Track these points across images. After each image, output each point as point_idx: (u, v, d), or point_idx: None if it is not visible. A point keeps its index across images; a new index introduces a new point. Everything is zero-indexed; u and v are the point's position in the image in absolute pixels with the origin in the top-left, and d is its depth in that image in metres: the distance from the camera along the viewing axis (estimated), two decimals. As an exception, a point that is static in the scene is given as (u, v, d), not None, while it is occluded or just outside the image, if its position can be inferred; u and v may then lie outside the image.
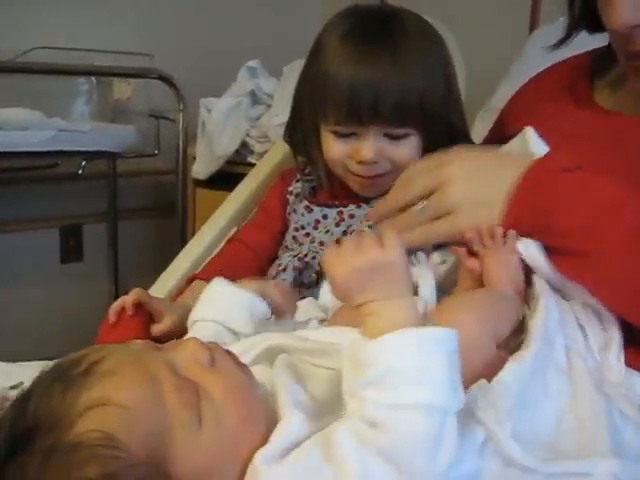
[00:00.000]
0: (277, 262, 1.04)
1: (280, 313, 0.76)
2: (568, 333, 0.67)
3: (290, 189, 1.10)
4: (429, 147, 0.94)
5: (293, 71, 2.03)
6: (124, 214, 2.55)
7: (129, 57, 2.16)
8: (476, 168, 0.78)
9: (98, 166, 2.40)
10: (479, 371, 0.59)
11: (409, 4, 1.01)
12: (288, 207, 1.09)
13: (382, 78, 0.89)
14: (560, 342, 0.65)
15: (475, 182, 0.76)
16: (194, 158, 2.15)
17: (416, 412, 0.48)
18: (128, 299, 0.88)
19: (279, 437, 0.50)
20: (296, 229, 1.05)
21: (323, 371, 0.58)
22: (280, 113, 1.92)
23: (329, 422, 0.51)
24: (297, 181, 1.10)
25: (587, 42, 1.06)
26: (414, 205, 0.79)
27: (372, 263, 0.52)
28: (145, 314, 0.91)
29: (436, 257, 0.81)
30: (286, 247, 1.06)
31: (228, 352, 0.56)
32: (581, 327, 0.69)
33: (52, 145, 1.96)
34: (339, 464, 0.46)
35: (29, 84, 2.09)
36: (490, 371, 0.59)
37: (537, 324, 0.63)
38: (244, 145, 2.04)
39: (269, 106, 2.04)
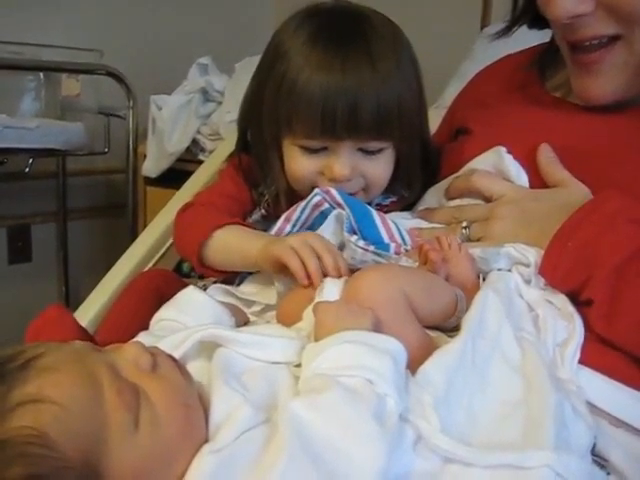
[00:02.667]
0: None
1: None
2: (519, 325, 0.67)
3: (261, 190, 0.95)
4: (400, 160, 0.90)
5: (244, 68, 2.02)
6: (74, 214, 2.50)
7: (78, 53, 2.12)
8: (529, 213, 0.78)
9: (47, 165, 2.35)
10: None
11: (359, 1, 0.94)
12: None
13: (360, 86, 0.80)
14: (507, 333, 0.64)
15: (522, 228, 0.78)
16: (144, 156, 2.12)
17: (362, 381, 0.50)
18: None
19: (228, 429, 0.50)
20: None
21: (256, 364, 0.57)
22: (231, 110, 1.91)
23: (267, 415, 0.50)
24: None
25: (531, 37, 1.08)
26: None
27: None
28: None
29: (404, 261, 0.81)
30: None
31: (170, 357, 0.55)
32: (536, 322, 0.69)
33: (-5, 142, 1.90)
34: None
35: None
36: (418, 350, 0.60)
37: (468, 316, 0.63)
38: (195, 142, 2.02)
39: (220, 103, 2.03)
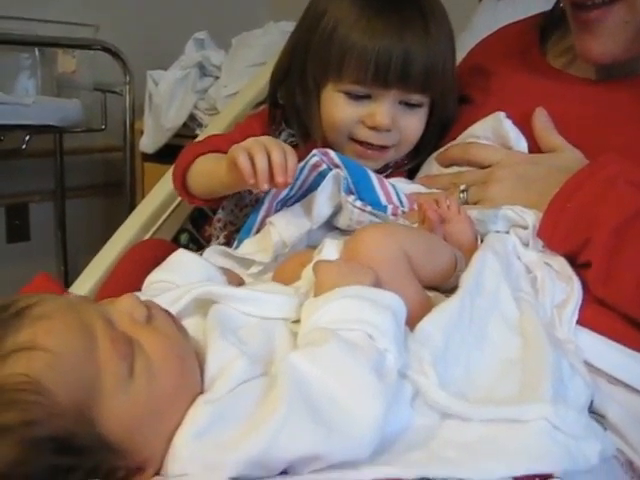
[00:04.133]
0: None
1: None
2: (517, 286, 0.67)
3: (275, 133, 0.97)
4: (428, 126, 0.91)
5: (241, 43, 2.01)
6: (72, 192, 2.48)
7: (73, 28, 2.09)
8: (526, 177, 0.79)
9: (44, 143, 2.33)
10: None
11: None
12: None
13: (414, 41, 0.84)
14: (506, 292, 0.64)
15: (519, 191, 0.78)
16: (142, 132, 2.11)
17: (362, 336, 0.51)
18: None
19: (224, 381, 0.50)
20: None
21: (253, 320, 0.57)
22: (228, 84, 1.90)
23: (264, 369, 0.50)
24: (279, 133, 0.99)
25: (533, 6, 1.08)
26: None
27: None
28: None
29: (402, 223, 0.80)
30: None
31: (165, 310, 0.55)
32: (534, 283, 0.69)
33: (-9, 119, 1.89)
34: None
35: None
36: (417, 308, 0.60)
37: (466, 275, 0.63)
38: (192, 117, 2.01)
39: (217, 78, 2.01)
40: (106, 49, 2.03)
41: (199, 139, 1.05)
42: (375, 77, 0.84)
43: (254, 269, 0.80)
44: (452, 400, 0.52)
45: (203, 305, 0.59)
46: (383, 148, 0.89)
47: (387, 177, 0.89)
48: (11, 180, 2.36)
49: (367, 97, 0.86)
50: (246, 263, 0.82)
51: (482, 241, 0.73)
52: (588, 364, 0.64)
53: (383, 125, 0.86)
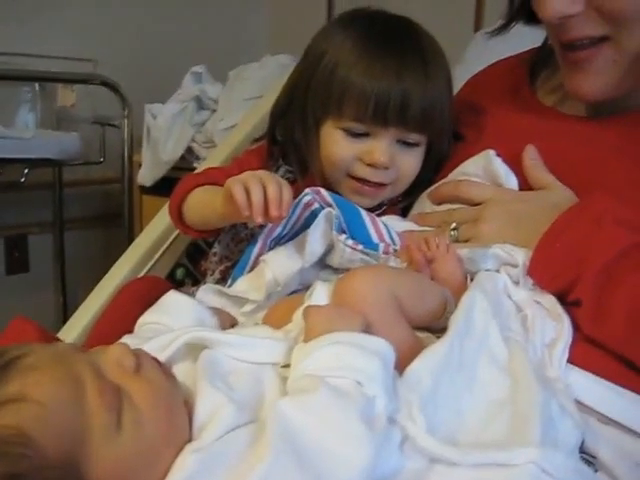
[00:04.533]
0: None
1: None
2: (507, 325, 0.67)
3: (272, 169, 0.98)
4: (424, 163, 0.93)
5: (238, 76, 2.04)
6: (70, 224, 2.50)
7: (72, 63, 2.13)
8: (516, 215, 0.79)
9: (43, 175, 2.35)
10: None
11: (354, 4, 0.98)
12: None
13: (413, 81, 0.86)
14: (495, 332, 0.64)
15: (510, 229, 0.78)
16: (140, 165, 2.13)
17: (351, 383, 0.51)
18: None
19: (212, 428, 0.50)
20: None
21: (242, 365, 0.57)
22: (225, 118, 1.92)
23: (251, 417, 0.51)
24: (276, 169, 1.00)
25: (526, 40, 1.09)
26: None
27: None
28: None
29: (393, 262, 0.81)
30: None
31: (154, 359, 0.55)
32: (524, 322, 0.69)
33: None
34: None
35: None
36: (407, 351, 0.60)
37: (455, 316, 0.63)
38: (189, 150, 2.03)
39: (214, 111, 2.03)
40: (105, 83, 2.06)
41: (197, 171, 1.06)
42: (374, 116, 0.85)
43: (247, 308, 0.81)
44: (440, 446, 0.52)
45: (194, 350, 0.59)
46: (380, 185, 0.90)
47: (381, 214, 0.90)
48: (10, 212, 2.38)
49: (366, 135, 0.88)
50: (239, 301, 0.82)
51: (472, 280, 0.73)
52: (579, 403, 0.64)
53: (381, 162, 0.87)
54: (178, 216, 0.95)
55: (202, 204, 0.91)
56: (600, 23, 0.78)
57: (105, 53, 2.22)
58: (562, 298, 0.71)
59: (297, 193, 0.83)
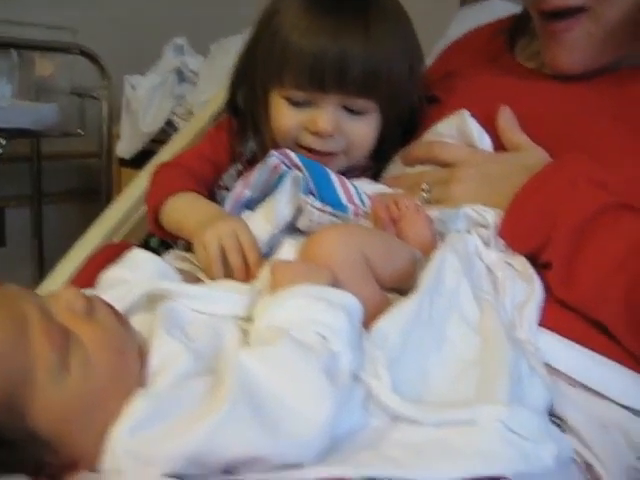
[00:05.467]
0: None
1: None
2: (478, 285, 0.66)
3: (241, 150, 0.95)
4: (387, 127, 0.89)
5: (219, 49, 2.01)
6: (48, 197, 2.46)
7: (51, 31, 2.08)
8: (488, 176, 0.77)
9: (21, 147, 2.31)
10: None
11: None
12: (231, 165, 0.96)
13: (351, 44, 0.81)
14: (466, 292, 0.63)
15: (482, 190, 0.77)
16: (119, 137, 2.09)
17: (315, 337, 0.49)
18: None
19: (165, 375, 0.48)
20: (219, 186, 0.94)
21: (203, 317, 0.55)
22: (206, 91, 1.89)
23: (209, 367, 0.49)
24: (246, 141, 0.96)
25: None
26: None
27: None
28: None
29: (363, 223, 0.79)
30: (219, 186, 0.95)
31: (108, 305, 0.54)
32: (495, 283, 0.68)
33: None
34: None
35: None
36: (374, 310, 0.58)
37: (425, 274, 0.61)
38: (169, 123, 2.00)
39: (195, 84, 2.00)
40: (84, 53, 2.02)
41: (171, 160, 1.01)
42: (311, 81, 0.81)
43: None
44: (403, 404, 0.50)
45: (154, 302, 0.57)
46: (330, 155, 0.86)
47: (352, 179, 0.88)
48: (-13, 185, 2.34)
49: (308, 103, 0.84)
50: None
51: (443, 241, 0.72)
52: (548, 366, 0.63)
53: (324, 131, 0.83)
54: (156, 226, 0.92)
55: (174, 219, 0.88)
56: None
57: (85, 22, 2.17)
58: (534, 260, 0.70)
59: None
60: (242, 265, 0.72)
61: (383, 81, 0.83)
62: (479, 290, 0.65)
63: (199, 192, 0.89)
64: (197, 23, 2.30)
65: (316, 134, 0.84)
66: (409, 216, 0.73)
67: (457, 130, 0.84)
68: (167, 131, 2.00)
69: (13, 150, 2.26)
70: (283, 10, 0.85)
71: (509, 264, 0.70)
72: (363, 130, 0.86)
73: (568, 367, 0.64)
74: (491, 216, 0.72)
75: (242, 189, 0.83)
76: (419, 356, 0.57)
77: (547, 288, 0.68)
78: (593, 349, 0.65)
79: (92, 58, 2.03)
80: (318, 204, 0.76)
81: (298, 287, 0.53)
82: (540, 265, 0.69)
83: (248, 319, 0.56)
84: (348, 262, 0.60)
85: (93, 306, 0.50)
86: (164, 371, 0.48)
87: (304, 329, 0.49)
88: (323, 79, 0.81)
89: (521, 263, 0.70)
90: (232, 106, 0.96)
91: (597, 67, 0.83)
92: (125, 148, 2.05)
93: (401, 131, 0.91)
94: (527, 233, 0.69)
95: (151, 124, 1.98)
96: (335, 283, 0.58)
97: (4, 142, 2.11)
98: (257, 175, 0.82)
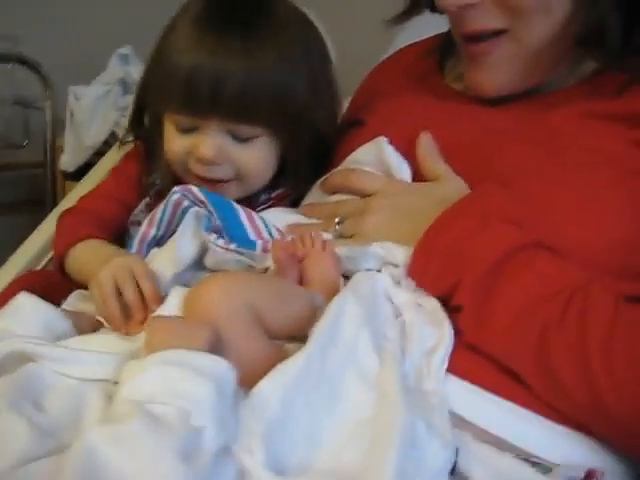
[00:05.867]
0: None
1: None
2: (382, 332, 0.62)
3: (153, 179, 0.91)
4: (288, 154, 0.85)
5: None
6: (-2, 209, 2.40)
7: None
8: (403, 208, 0.73)
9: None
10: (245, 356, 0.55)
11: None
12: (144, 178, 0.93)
13: (227, 65, 0.76)
14: (365, 342, 0.59)
15: (395, 223, 0.73)
16: (63, 149, 2.03)
17: (175, 411, 0.44)
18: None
19: (2, 459, 0.43)
20: (131, 222, 0.91)
21: (70, 381, 0.50)
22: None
23: (61, 443, 0.44)
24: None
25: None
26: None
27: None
28: None
29: (270, 259, 0.75)
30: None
31: None
32: (403, 328, 0.64)
33: None
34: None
35: None
36: (263, 365, 0.54)
37: (319, 325, 0.57)
38: (113, 135, 1.93)
39: (139, 94, 1.94)
40: (24, 62, 1.95)
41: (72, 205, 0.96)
42: (188, 105, 0.77)
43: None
44: (276, 481, 0.46)
45: (22, 361, 0.52)
46: (220, 182, 0.82)
47: (269, 207, 0.85)
48: None
49: (194, 129, 0.80)
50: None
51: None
52: (455, 415, 0.60)
53: (205, 158, 0.79)
54: (60, 268, 0.87)
55: (77, 270, 0.85)
56: (499, 15, 0.74)
57: (27, 30, 2.10)
58: (446, 302, 0.66)
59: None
60: (137, 297, 0.68)
61: (268, 108, 0.78)
62: (382, 338, 0.61)
63: (103, 238, 0.85)
64: (143, 32, 2.23)
65: (200, 161, 0.80)
66: (314, 254, 0.69)
67: (376, 158, 0.81)
68: (111, 143, 1.94)
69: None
70: (177, 27, 0.81)
71: (420, 305, 0.67)
72: (253, 157, 0.81)
73: (476, 416, 0.60)
74: (401, 255, 0.68)
75: (147, 228, 0.78)
76: (307, 418, 0.52)
77: (458, 332, 0.64)
78: (504, 397, 0.61)
79: (33, 67, 1.96)
80: (221, 242, 0.71)
81: (164, 353, 0.49)
82: (451, 308, 0.65)
83: (117, 383, 0.51)
84: (231, 315, 0.55)
85: None
86: (1, 455, 0.43)
87: (164, 402, 0.45)
88: (198, 102, 0.77)
89: (432, 305, 0.66)
90: (136, 130, 0.92)
91: (522, 89, 0.80)
92: (69, 161, 1.99)
93: (313, 154, 0.86)
94: (436, 275, 0.66)
95: (95, 137, 1.91)
96: (216, 339, 0.53)
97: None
98: (160, 213, 0.77)
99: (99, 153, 1.93)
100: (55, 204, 2.08)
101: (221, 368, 0.49)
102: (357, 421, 0.54)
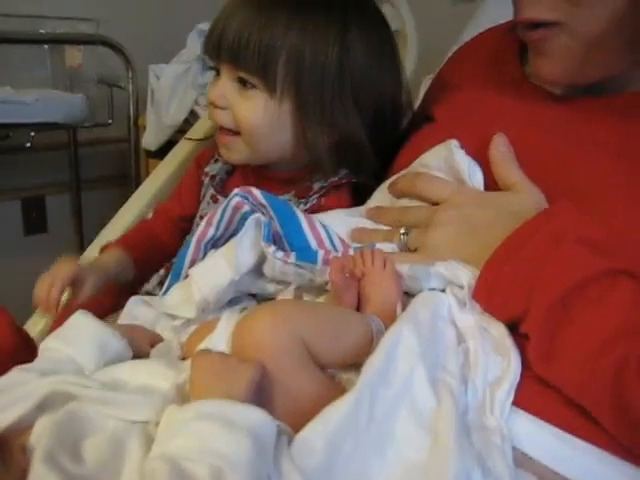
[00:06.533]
0: None
1: (141, 354, 0.68)
2: (442, 363, 0.58)
3: (206, 170, 0.99)
4: (304, 129, 0.87)
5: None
6: (87, 184, 2.47)
7: (74, 23, 2.06)
8: (471, 222, 0.69)
9: (57, 135, 2.31)
10: (295, 394, 0.53)
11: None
12: (203, 189, 0.99)
13: (245, 21, 0.82)
14: (421, 377, 0.55)
15: (462, 239, 0.69)
16: (145, 127, 2.05)
17: (208, 470, 0.42)
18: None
19: None
20: (201, 217, 0.96)
21: (107, 423, 0.49)
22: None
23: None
24: (215, 161, 0.99)
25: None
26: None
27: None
28: None
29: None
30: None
31: None
32: (467, 355, 0.60)
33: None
34: None
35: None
36: (319, 399, 0.52)
37: (370, 360, 0.53)
38: (193, 114, 1.93)
39: (218, 72, 1.93)
40: (106, 43, 1.97)
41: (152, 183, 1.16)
42: (212, 47, 0.85)
43: (177, 322, 0.73)
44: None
45: (58, 399, 0.51)
46: (229, 132, 0.88)
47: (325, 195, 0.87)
48: (26, 174, 2.36)
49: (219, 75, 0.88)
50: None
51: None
52: (520, 453, 0.56)
53: (211, 98, 0.87)
54: None
55: None
56: (555, 5, 0.68)
57: (108, 13, 2.13)
58: (514, 327, 0.61)
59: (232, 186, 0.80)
60: (44, 295, 0.81)
61: (259, 53, 0.82)
62: (441, 370, 0.57)
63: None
64: (221, 7, 2.22)
65: (210, 103, 0.88)
66: (374, 273, 0.65)
67: (445, 162, 0.76)
68: (191, 122, 1.94)
69: (49, 139, 2.27)
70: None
71: (486, 330, 0.62)
72: (248, 107, 0.86)
73: (543, 455, 0.56)
74: (466, 276, 0.63)
75: (205, 228, 0.77)
76: (355, 464, 0.49)
77: (526, 362, 0.60)
78: (575, 434, 0.57)
79: (115, 48, 1.99)
80: (280, 254, 0.69)
81: (201, 404, 0.47)
82: (521, 335, 0.61)
83: (158, 424, 0.50)
84: (279, 351, 0.53)
85: None
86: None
87: (197, 460, 0.43)
88: (220, 46, 0.84)
89: (499, 330, 0.61)
90: None
91: (585, 81, 0.73)
92: (150, 140, 2.00)
93: (341, 142, 0.87)
94: (503, 302, 0.61)
95: (174, 115, 1.92)
96: (261, 379, 0.51)
97: (32, 134, 2.12)
98: (219, 214, 0.76)
99: (181, 131, 1.94)
100: (138, 180, 2.14)
101: (259, 419, 0.47)
102: (409, 465, 0.50)
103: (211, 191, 0.97)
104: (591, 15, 0.67)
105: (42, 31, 2.05)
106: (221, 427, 0.44)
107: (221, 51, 0.84)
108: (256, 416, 0.46)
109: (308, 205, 0.87)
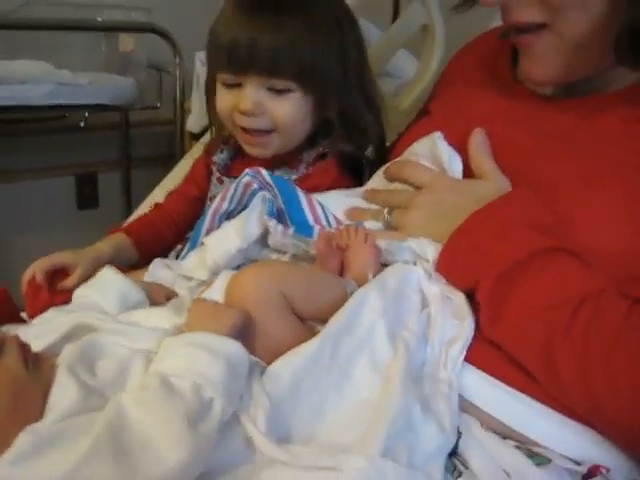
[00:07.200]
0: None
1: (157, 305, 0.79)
2: (403, 322, 0.68)
3: (214, 159, 1.10)
4: (321, 113, 0.97)
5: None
6: (136, 162, 2.62)
7: (127, 11, 2.19)
8: (444, 205, 0.78)
9: (110, 116, 2.46)
10: (274, 337, 0.63)
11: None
12: (212, 177, 1.10)
13: (260, 28, 0.89)
14: (381, 332, 0.65)
15: (435, 220, 0.78)
16: (190, 111, 2.18)
17: (190, 384, 0.54)
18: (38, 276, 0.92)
19: (51, 413, 0.54)
20: (210, 199, 1.07)
21: (119, 350, 0.61)
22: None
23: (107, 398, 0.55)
24: (221, 151, 1.10)
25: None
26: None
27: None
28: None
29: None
30: None
31: (21, 345, 0.58)
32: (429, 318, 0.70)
33: (51, 99, 2.01)
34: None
35: (33, 36, 2.14)
36: (291, 346, 0.62)
37: (337, 314, 0.64)
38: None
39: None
40: (156, 31, 2.10)
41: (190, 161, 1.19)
42: (230, 63, 0.91)
43: (192, 283, 0.85)
44: (272, 447, 0.54)
45: (81, 330, 0.64)
46: (262, 133, 0.96)
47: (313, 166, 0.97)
48: (80, 151, 2.51)
49: (238, 85, 0.93)
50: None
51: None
52: (466, 401, 0.65)
53: (246, 109, 0.93)
54: None
55: None
56: (539, 9, 0.74)
57: (158, 1, 2.26)
58: (473, 297, 0.71)
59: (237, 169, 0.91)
60: (25, 279, 0.91)
61: (296, 64, 0.91)
62: (402, 328, 0.67)
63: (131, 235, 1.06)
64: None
65: (241, 112, 0.94)
66: (356, 245, 0.75)
67: (430, 152, 0.85)
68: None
69: (102, 119, 2.42)
70: (223, 8, 0.96)
71: (449, 298, 0.72)
72: (285, 108, 0.94)
73: (486, 404, 0.65)
74: (431, 252, 0.73)
75: (220, 202, 0.89)
76: (315, 398, 0.60)
77: (480, 326, 0.69)
78: (516, 388, 0.66)
79: (164, 35, 2.11)
80: (280, 228, 0.80)
81: (189, 335, 0.58)
82: (477, 302, 0.70)
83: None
84: (261, 301, 0.64)
85: (2, 350, 0.57)
86: (51, 409, 0.54)
87: (182, 376, 0.54)
88: (238, 60, 0.90)
89: (459, 299, 0.71)
90: (208, 92, 1.09)
91: (573, 79, 0.80)
92: (194, 123, 2.13)
93: (347, 120, 0.98)
94: (460, 274, 0.70)
95: (217, 100, 2.03)
96: (246, 323, 0.62)
97: (87, 115, 2.27)
98: (232, 190, 0.87)
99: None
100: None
101: (234, 349, 0.58)
102: (361, 402, 0.61)
103: (217, 174, 1.09)
104: (572, 18, 0.73)
105: (99, 19, 2.18)
106: (204, 352, 0.56)
107: (253, 67, 0.90)
108: (233, 347, 0.58)
109: (298, 174, 0.99)
